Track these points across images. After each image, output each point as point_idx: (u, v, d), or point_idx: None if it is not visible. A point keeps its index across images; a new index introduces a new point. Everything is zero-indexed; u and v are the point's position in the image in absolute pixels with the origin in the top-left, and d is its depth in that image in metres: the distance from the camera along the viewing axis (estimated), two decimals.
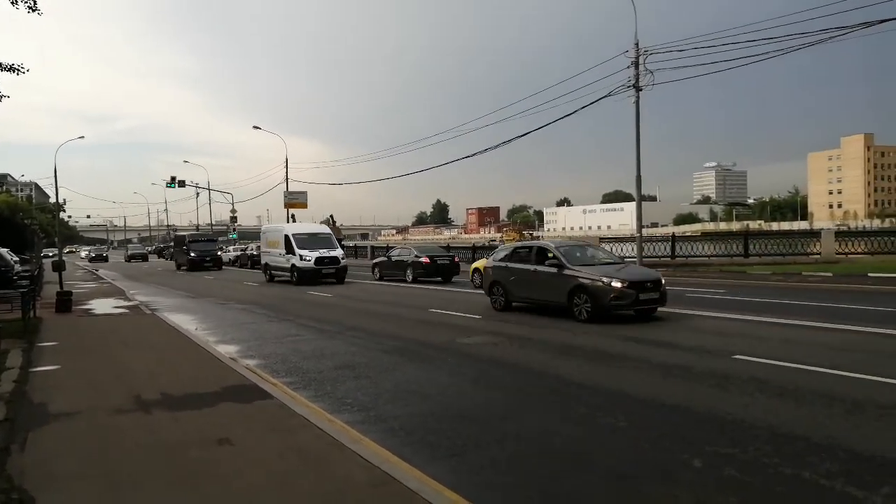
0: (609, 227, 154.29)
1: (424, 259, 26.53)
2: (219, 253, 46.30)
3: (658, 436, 5.84)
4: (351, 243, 66.35)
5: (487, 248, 36.82)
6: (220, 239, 61.36)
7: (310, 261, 26.80)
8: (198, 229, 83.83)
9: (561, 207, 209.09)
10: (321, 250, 27.38)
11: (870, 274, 21.07)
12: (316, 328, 13.82)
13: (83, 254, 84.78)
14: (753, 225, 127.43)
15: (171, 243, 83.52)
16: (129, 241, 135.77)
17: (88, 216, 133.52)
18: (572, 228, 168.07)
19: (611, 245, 34.44)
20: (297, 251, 27.16)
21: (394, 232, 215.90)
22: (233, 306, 19.21)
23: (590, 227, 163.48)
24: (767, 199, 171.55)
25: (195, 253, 43.20)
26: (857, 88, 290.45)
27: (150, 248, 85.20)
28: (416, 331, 12.94)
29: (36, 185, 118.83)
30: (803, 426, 5.93)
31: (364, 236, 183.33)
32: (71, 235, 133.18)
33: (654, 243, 33.44)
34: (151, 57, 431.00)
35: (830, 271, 22.99)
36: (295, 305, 18.90)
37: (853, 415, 6.28)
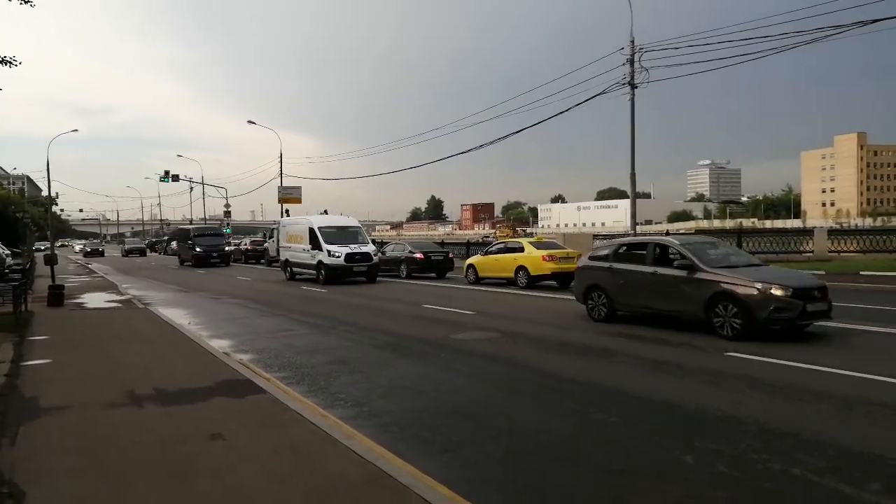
0: (603, 223, 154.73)
1: (419, 255, 26.50)
2: (227, 248, 42.77)
3: (650, 431, 5.87)
4: None
5: (481, 244, 36.82)
6: None
7: (339, 257, 24.14)
8: (191, 223, 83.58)
9: (555, 204, 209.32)
10: (351, 245, 24.75)
11: (861, 272, 21.19)
12: (309, 323, 13.81)
13: (77, 248, 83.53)
14: (747, 223, 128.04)
15: (165, 237, 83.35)
16: (122, 235, 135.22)
17: (81, 210, 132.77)
18: (566, 225, 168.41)
19: (606, 242, 34.51)
20: (325, 246, 24.50)
21: (388, 228, 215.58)
22: (226, 301, 19.17)
23: (584, 224, 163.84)
24: (761, 197, 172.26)
25: (201, 248, 39.91)
26: (851, 87, 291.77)
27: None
28: (409, 326, 12.94)
29: (28, 178, 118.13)
30: (793, 423, 5.97)
31: None
32: (63, 229, 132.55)
33: None
34: (147, 51, 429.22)
35: (823, 269, 23.09)
36: (288, 300, 18.87)
37: (842, 411, 6.33)
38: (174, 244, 64.07)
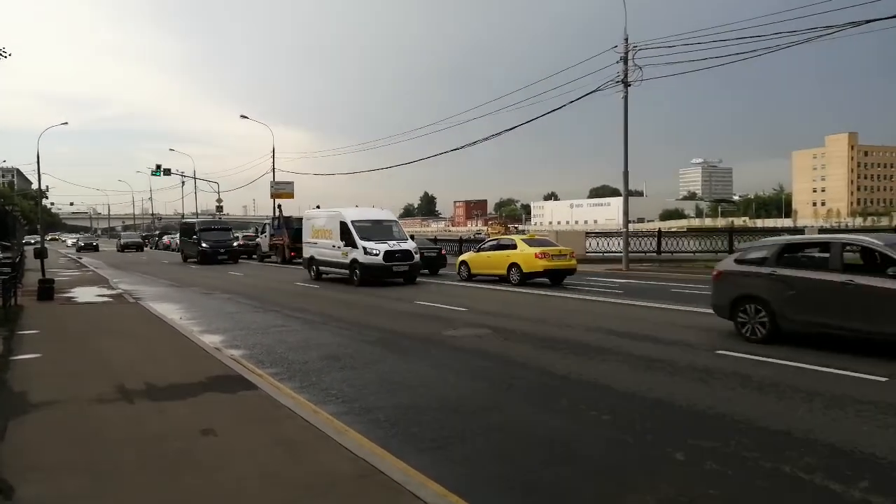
0: (596, 221, 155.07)
1: None
2: (235, 244, 39.54)
3: (641, 429, 5.89)
4: None
5: (474, 241, 36.86)
6: None
7: (378, 255, 21.32)
8: (183, 218, 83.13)
9: (548, 201, 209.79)
10: (389, 242, 21.98)
11: None
12: (301, 319, 13.78)
13: (69, 242, 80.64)
14: (738, 221, 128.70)
15: (157, 232, 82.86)
16: (113, 229, 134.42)
17: (72, 203, 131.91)
18: (559, 222, 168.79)
19: (597, 239, 34.65)
20: (361, 243, 21.69)
21: None
22: (217, 296, 19.09)
23: (576, 222, 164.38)
24: (752, 196, 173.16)
25: (208, 244, 36.73)
26: (843, 87, 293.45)
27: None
28: (401, 322, 12.93)
29: (18, 171, 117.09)
30: (784, 421, 6.00)
31: None
32: (53, 223, 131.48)
33: (640, 238, 33.68)
34: (139, 44, 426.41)
35: None
36: (280, 296, 18.81)
37: (833, 410, 6.37)
38: (168, 238, 63.93)
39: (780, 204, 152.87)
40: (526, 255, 20.43)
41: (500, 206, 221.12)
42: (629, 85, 25.07)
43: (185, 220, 51.19)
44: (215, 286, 22.39)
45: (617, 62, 25.15)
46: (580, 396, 7.07)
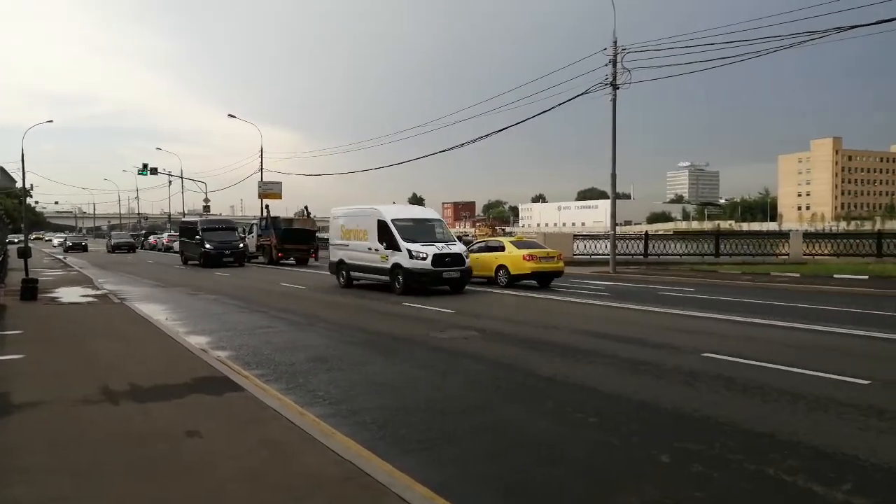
0: (583, 223, 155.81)
1: None
2: (241, 245, 35.89)
3: (627, 431, 5.92)
4: (325, 235, 65.76)
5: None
6: None
7: (425, 259, 18.46)
8: (170, 218, 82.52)
9: (536, 203, 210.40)
10: (437, 244, 19.13)
11: (835, 275, 21.55)
12: (288, 320, 13.72)
13: (55, 241, 78.74)
14: (724, 225, 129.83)
15: (143, 231, 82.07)
16: (98, 228, 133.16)
17: (57, 202, 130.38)
18: (547, 224, 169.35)
19: (585, 242, 34.78)
20: (404, 245, 18.78)
21: None
22: (203, 297, 18.98)
23: (564, 224, 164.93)
24: (738, 200, 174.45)
25: (212, 244, 33.62)
26: (829, 92, 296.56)
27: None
28: (389, 324, 12.91)
29: (2, 168, 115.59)
30: (768, 423, 6.05)
31: None
32: (38, 221, 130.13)
33: (627, 241, 33.85)
34: (126, 41, 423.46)
35: (798, 272, 23.47)
36: (267, 297, 18.73)
37: (816, 412, 6.43)
38: (154, 238, 63.32)
39: (765, 208, 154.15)
40: (514, 257, 20.47)
41: (489, 207, 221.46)
42: (618, 87, 25.20)
43: (185, 220, 47.99)
44: (201, 287, 22.25)
45: (606, 65, 25.28)
46: (567, 398, 7.10)
